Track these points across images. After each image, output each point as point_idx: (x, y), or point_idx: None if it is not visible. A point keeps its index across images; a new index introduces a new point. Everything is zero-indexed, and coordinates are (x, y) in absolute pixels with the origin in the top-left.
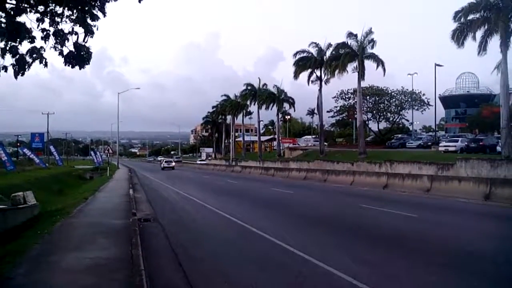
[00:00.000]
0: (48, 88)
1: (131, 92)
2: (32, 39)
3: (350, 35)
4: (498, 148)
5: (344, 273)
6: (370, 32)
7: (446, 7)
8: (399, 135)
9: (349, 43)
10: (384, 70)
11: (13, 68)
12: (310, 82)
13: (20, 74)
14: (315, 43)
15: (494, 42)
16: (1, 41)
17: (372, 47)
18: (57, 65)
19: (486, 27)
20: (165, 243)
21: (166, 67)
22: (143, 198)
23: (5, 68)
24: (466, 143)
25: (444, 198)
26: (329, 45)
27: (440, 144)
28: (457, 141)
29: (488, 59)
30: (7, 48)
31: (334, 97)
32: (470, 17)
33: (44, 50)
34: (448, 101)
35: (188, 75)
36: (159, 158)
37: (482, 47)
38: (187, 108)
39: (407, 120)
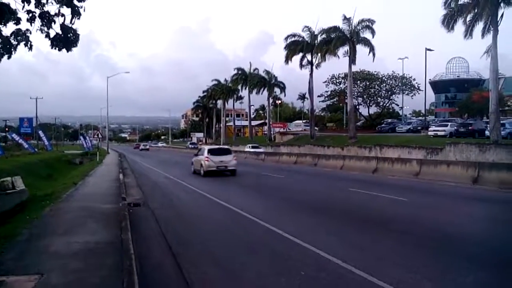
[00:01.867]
0: (35, 72)
1: (121, 77)
2: (18, 21)
3: (345, 19)
4: (487, 133)
5: (333, 256)
6: (366, 21)
7: None
8: (389, 120)
9: (341, 27)
10: (374, 55)
11: None
12: (302, 66)
13: (7, 57)
14: (307, 27)
15: (483, 27)
16: None
17: (373, 35)
18: (45, 49)
19: (475, 11)
20: (155, 227)
21: (156, 51)
22: (133, 182)
23: None
24: (455, 128)
25: (433, 182)
26: (322, 30)
27: (430, 129)
28: (446, 125)
29: (478, 44)
30: None
31: (325, 81)
32: (461, 2)
33: (30, 33)
34: (438, 86)
35: (179, 59)
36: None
37: (469, 31)
38: (178, 92)
39: (397, 105)
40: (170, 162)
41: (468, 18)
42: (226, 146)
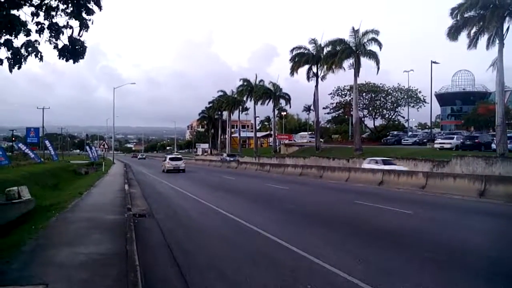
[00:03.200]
0: (42, 83)
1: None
2: (28, 32)
3: (352, 31)
4: (493, 146)
5: (339, 269)
6: (371, 32)
7: (444, 5)
8: (395, 132)
9: (346, 40)
10: (378, 68)
11: (8, 62)
12: (308, 78)
13: (17, 68)
14: (313, 39)
15: (488, 39)
16: None
17: (380, 48)
18: (54, 60)
19: (480, 24)
20: (160, 238)
21: (160, 62)
22: (138, 193)
23: (0, 61)
24: (461, 141)
25: (439, 195)
26: (328, 42)
27: (436, 141)
28: (452, 138)
29: (484, 57)
30: (1, 41)
31: (330, 93)
32: (467, 14)
33: (39, 44)
34: (444, 98)
35: (183, 71)
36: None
37: (473, 43)
38: (182, 103)
39: (403, 117)
40: (176, 173)
41: (473, 31)
42: (179, 155)
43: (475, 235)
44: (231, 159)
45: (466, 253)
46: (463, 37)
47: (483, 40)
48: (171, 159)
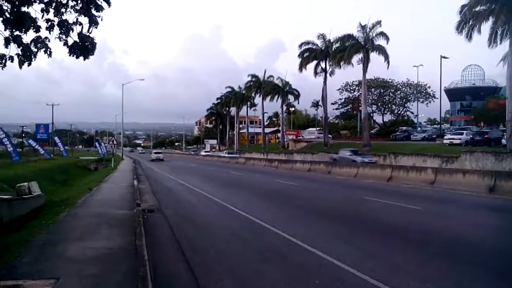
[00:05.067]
0: (51, 80)
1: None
2: (37, 29)
3: (360, 26)
4: (503, 141)
5: (347, 264)
6: (377, 24)
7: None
8: (404, 128)
9: (355, 35)
10: (388, 63)
11: (18, 58)
12: (316, 74)
13: (27, 64)
14: (322, 34)
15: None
16: (5, 30)
17: (387, 42)
18: (62, 57)
19: (493, 18)
20: (169, 233)
21: (167, 58)
22: (147, 189)
23: (11, 58)
24: (471, 136)
25: (449, 191)
26: (337, 38)
27: (445, 137)
28: (462, 133)
29: (494, 52)
30: (11, 37)
31: (339, 89)
32: (476, 9)
33: (49, 41)
34: (453, 93)
35: (190, 67)
36: (138, 149)
37: (493, 39)
38: (190, 99)
39: (412, 113)
40: (185, 169)
41: (483, 25)
42: (160, 151)
43: (485, 231)
44: (232, 155)
45: (476, 249)
46: (473, 31)
47: (497, 35)
48: (155, 152)
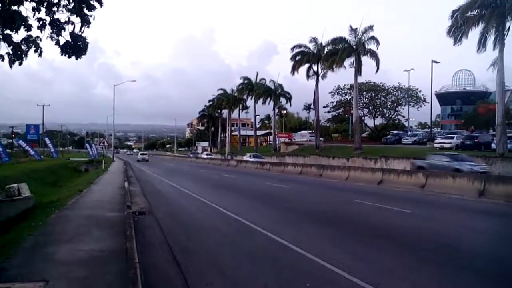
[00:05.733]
0: (42, 80)
1: (127, 85)
2: (29, 28)
3: (351, 29)
4: (493, 145)
5: (338, 267)
6: (369, 28)
7: (444, 4)
8: (395, 131)
9: (347, 39)
10: (378, 67)
11: (8, 57)
12: (308, 77)
13: (18, 63)
14: (314, 38)
15: (490, 39)
16: None
17: (377, 46)
18: (54, 56)
19: (483, 24)
20: (160, 236)
21: (159, 60)
22: (138, 191)
23: (1, 57)
24: (461, 140)
25: (439, 194)
26: (329, 41)
27: (436, 141)
28: (452, 137)
29: (484, 57)
30: (1, 36)
31: (331, 92)
32: (467, 14)
33: (41, 40)
34: (444, 98)
35: (183, 69)
36: (134, 151)
37: (481, 44)
38: (182, 101)
39: (403, 117)
40: (176, 171)
41: (474, 31)
42: (145, 152)
43: (475, 234)
44: (258, 160)
45: (465, 253)
46: (464, 36)
47: (487, 40)
48: (141, 154)
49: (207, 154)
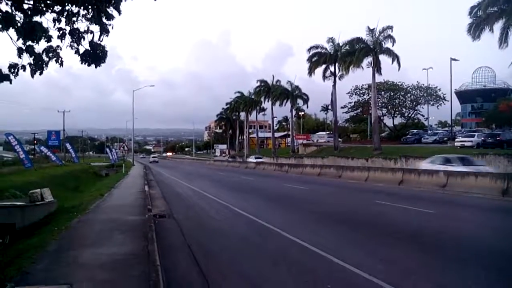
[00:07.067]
0: (62, 87)
1: (145, 90)
2: (49, 38)
3: (368, 30)
4: None
5: (359, 269)
6: (387, 28)
7: (461, 1)
8: (415, 131)
9: (364, 39)
10: (399, 65)
11: (29, 67)
12: (324, 78)
13: (39, 73)
14: (331, 38)
15: (510, 35)
16: (18, 40)
17: (393, 44)
18: (72, 64)
19: (504, 19)
20: (181, 239)
21: (176, 64)
22: (158, 194)
23: (23, 67)
24: (482, 138)
25: (461, 194)
26: (346, 42)
27: (456, 140)
28: (473, 136)
29: (505, 53)
30: (24, 48)
31: (348, 92)
32: (487, 10)
33: (61, 49)
34: (464, 96)
35: (199, 72)
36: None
37: (503, 39)
38: (199, 105)
39: (423, 116)
40: (195, 174)
41: (495, 26)
42: (156, 155)
43: (499, 234)
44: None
45: (490, 253)
46: (484, 33)
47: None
48: (152, 156)
49: (256, 158)
